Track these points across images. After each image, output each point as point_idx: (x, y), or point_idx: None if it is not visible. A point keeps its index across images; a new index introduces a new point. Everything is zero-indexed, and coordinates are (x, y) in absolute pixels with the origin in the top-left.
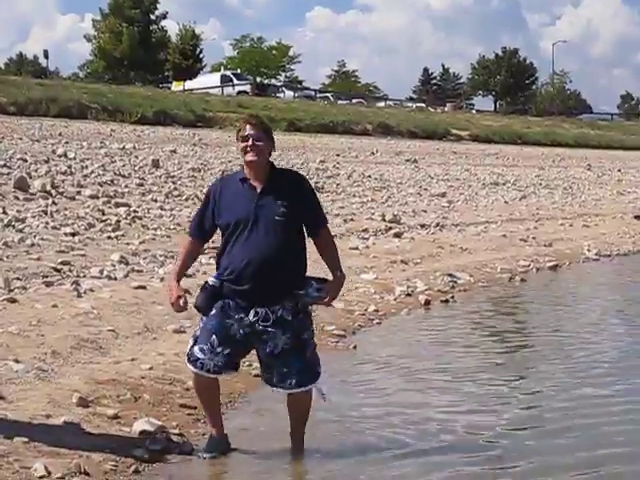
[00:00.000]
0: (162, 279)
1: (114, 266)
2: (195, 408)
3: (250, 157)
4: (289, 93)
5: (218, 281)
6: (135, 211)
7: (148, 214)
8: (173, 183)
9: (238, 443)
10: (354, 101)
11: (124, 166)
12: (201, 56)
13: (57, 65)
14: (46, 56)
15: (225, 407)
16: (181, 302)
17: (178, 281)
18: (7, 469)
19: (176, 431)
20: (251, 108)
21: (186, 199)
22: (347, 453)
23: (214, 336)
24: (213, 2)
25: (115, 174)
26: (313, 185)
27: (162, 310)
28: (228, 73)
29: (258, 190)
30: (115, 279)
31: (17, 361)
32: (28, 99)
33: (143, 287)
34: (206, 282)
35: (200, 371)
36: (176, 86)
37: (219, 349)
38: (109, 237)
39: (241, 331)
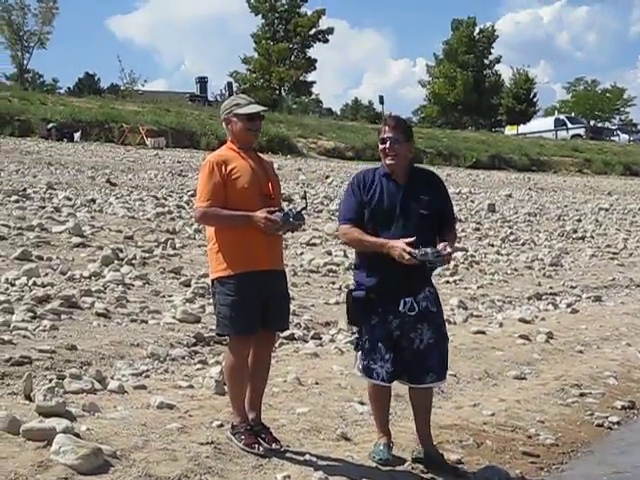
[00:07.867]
0: (501, 324)
1: (453, 310)
2: (538, 456)
3: (389, 161)
4: (624, 136)
5: (362, 292)
6: (472, 255)
7: (485, 258)
8: (509, 227)
9: None
10: None
11: (460, 210)
12: (535, 100)
13: (390, 110)
14: (381, 102)
15: (568, 456)
16: None
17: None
18: None
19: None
20: (586, 152)
21: (522, 244)
22: None
23: (380, 344)
24: (544, 45)
25: None
26: None
27: (502, 356)
28: (562, 117)
29: (402, 185)
30: (454, 323)
31: (362, 403)
32: (365, 144)
33: (482, 332)
34: (350, 292)
35: (377, 381)
36: (509, 130)
37: (387, 356)
38: (447, 282)
39: (397, 330)
